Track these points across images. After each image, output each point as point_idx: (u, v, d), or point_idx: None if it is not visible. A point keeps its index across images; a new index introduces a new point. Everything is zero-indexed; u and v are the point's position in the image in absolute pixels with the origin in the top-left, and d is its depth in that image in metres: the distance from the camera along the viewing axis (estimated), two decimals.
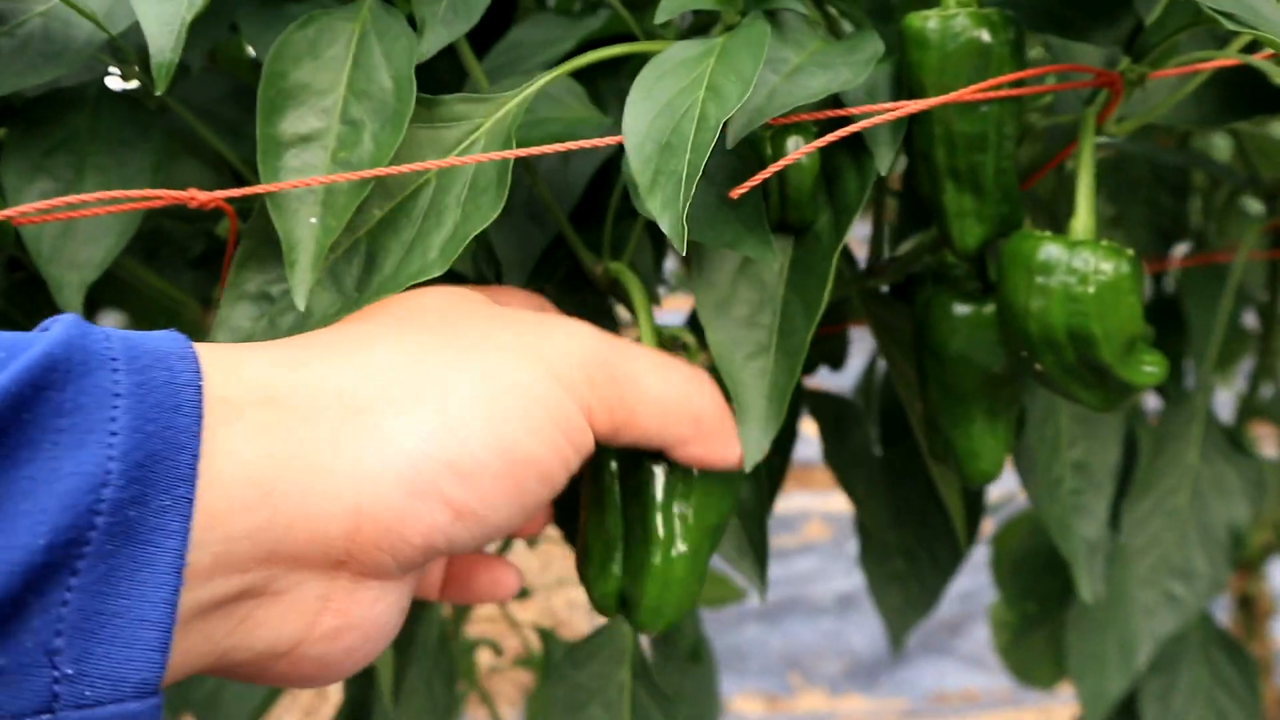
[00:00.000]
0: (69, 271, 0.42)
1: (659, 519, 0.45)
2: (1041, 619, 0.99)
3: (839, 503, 3.10)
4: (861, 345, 0.87)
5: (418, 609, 0.69)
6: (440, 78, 0.52)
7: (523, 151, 0.43)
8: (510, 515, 0.37)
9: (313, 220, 0.39)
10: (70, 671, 0.27)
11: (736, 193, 0.41)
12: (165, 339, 0.31)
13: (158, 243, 0.56)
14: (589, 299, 0.59)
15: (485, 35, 0.61)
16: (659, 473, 0.45)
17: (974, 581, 2.60)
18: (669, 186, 0.39)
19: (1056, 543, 0.71)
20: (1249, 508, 0.77)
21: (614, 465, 0.47)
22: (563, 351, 0.38)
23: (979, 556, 1.04)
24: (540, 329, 0.39)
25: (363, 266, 0.42)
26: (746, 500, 0.59)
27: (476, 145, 0.43)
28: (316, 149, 0.40)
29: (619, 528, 0.47)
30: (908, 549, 0.90)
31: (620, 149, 0.54)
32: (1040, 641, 1.24)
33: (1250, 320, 1.12)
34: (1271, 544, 1.17)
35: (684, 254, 0.39)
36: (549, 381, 0.37)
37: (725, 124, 0.41)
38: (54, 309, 0.68)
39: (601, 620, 0.59)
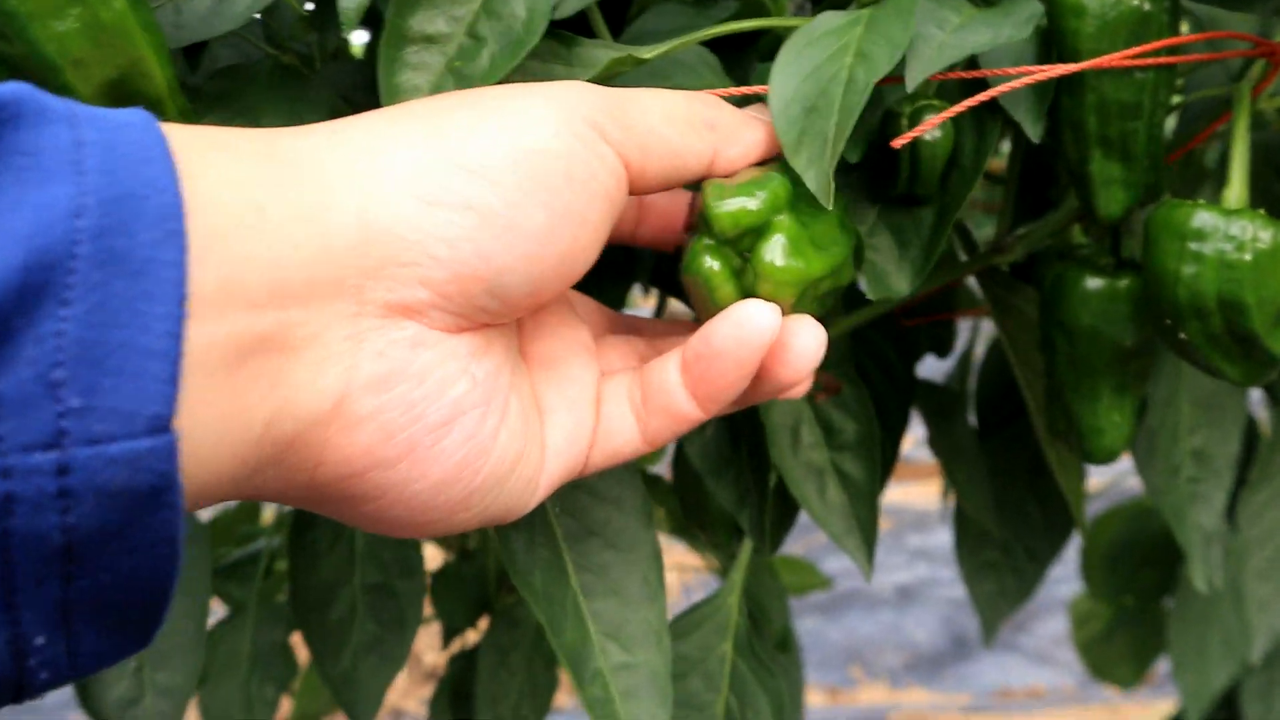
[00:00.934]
0: None
1: None
2: (1139, 613, 0.98)
3: (897, 495, 3.08)
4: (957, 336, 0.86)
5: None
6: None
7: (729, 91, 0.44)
8: (546, 224, 0.34)
9: None
10: (76, 404, 0.25)
11: (898, 143, 0.42)
12: (124, 111, 0.29)
13: None
14: None
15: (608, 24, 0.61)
16: None
17: None
18: (814, 146, 0.40)
19: (1173, 530, 0.69)
20: None
21: None
22: (553, 88, 0.37)
23: None
24: (544, 84, 0.38)
25: None
26: (858, 480, 0.59)
27: None
28: (436, 52, 0.41)
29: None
30: (1003, 540, 0.89)
31: None
32: (1124, 638, 1.22)
33: None
34: None
35: (829, 207, 0.39)
36: (548, 101, 0.36)
37: (899, 72, 0.41)
38: None
39: (706, 593, 0.58)
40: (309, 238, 0.31)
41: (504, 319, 0.36)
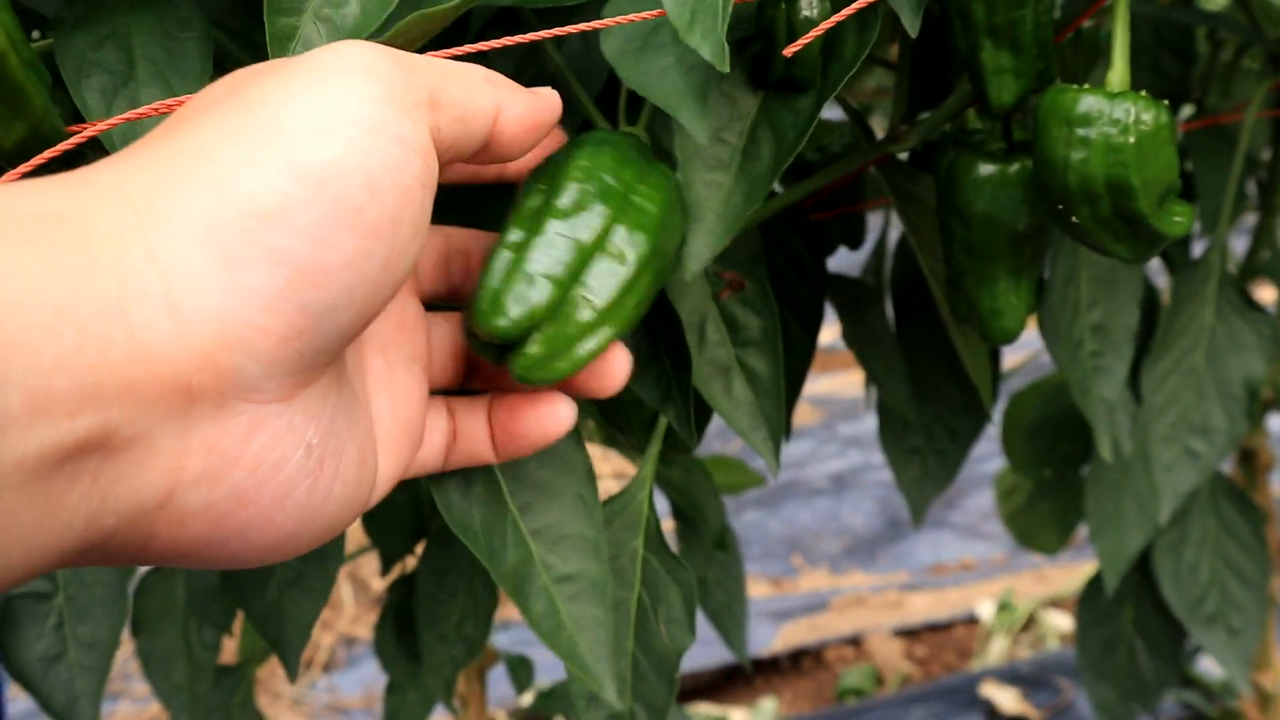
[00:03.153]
0: None
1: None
2: (1058, 484, 1.01)
3: (826, 386, 3.13)
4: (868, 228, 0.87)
5: None
6: None
7: (548, 33, 0.43)
8: (360, 249, 0.32)
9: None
10: None
11: (790, 50, 0.41)
12: None
13: None
14: None
15: None
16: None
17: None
18: (706, 19, 0.40)
19: (1078, 403, 0.72)
20: (1265, 362, 0.78)
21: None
22: (351, 59, 0.34)
23: None
24: (326, 52, 0.34)
25: None
26: (763, 376, 0.58)
27: None
28: None
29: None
30: (925, 424, 0.91)
31: None
32: (1047, 508, 1.26)
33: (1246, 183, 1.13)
34: (1271, 399, 1.19)
35: (726, 70, 0.39)
36: (342, 88, 0.33)
37: None
38: None
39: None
40: (118, 338, 0.28)
41: (339, 352, 0.34)
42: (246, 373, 0.31)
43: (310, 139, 0.31)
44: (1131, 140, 0.46)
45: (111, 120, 0.37)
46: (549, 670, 1.33)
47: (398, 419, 0.40)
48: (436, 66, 0.37)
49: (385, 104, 0.33)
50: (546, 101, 0.40)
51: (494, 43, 0.42)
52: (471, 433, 0.43)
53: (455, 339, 0.44)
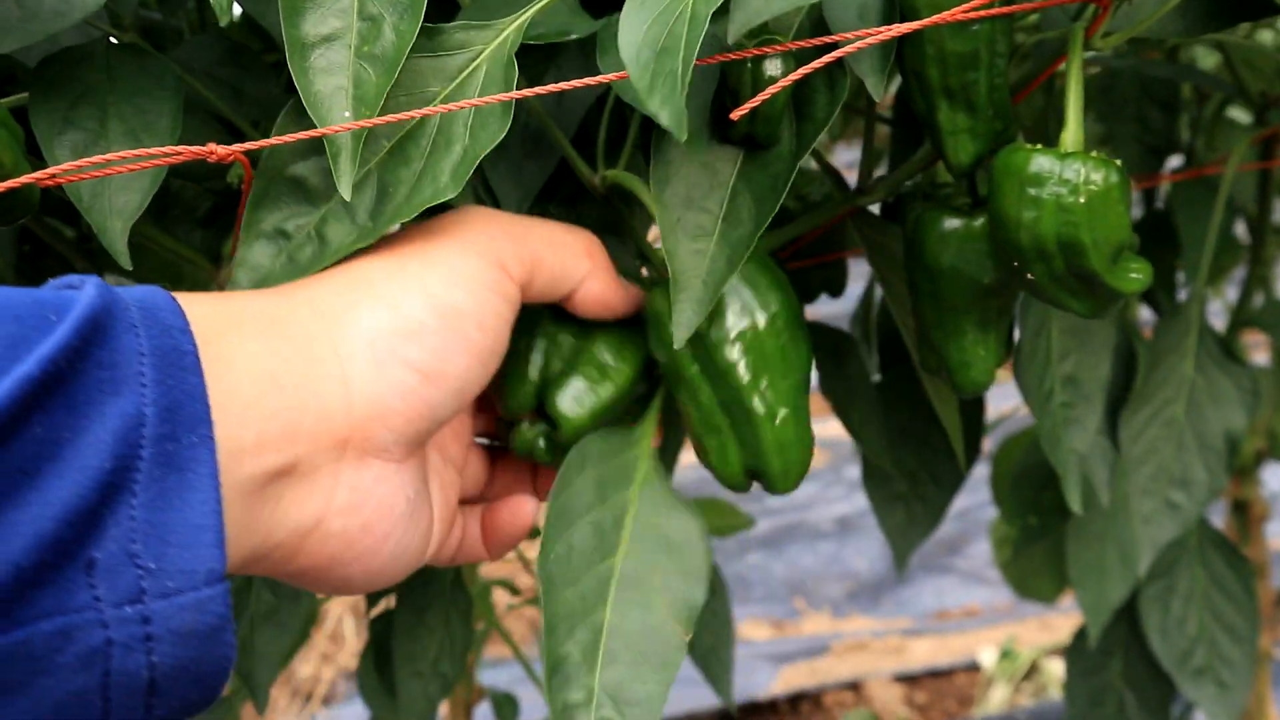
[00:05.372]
0: (111, 218, 0.46)
1: (751, 398, 0.51)
2: (1042, 531, 1.01)
3: (835, 428, 3.13)
4: (857, 274, 0.87)
5: None
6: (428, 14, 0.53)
7: (529, 91, 0.45)
8: (467, 365, 0.45)
9: (346, 114, 0.42)
10: (152, 567, 0.33)
11: (737, 114, 0.43)
12: (161, 301, 0.37)
13: (166, 203, 0.56)
14: (591, 212, 0.60)
15: None
16: (734, 356, 0.51)
17: (971, 499, 2.63)
18: (666, 85, 0.41)
19: (1048, 454, 0.72)
20: (1245, 415, 0.78)
21: (695, 368, 0.52)
22: (468, 236, 0.47)
23: (977, 474, 1.06)
24: (460, 220, 0.48)
25: (375, 197, 0.45)
26: None
27: (479, 70, 0.46)
28: (340, 47, 0.43)
29: (722, 417, 0.53)
30: (909, 470, 0.92)
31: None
32: (1041, 555, 1.26)
33: (1241, 231, 1.13)
34: (1265, 450, 1.19)
35: (683, 139, 0.41)
36: (466, 253, 0.46)
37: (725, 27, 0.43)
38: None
39: None
40: (310, 402, 0.40)
41: (434, 434, 0.46)
42: (382, 438, 0.43)
43: (445, 287, 0.45)
44: (1081, 200, 0.46)
45: (76, 162, 0.38)
46: (534, 709, 1.33)
47: (442, 504, 0.50)
48: (544, 238, 0.49)
49: (498, 269, 0.46)
50: (619, 293, 0.52)
51: (491, 98, 0.44)
52: (471, 534, 0.54)
53: (475, 459, 0.55)
